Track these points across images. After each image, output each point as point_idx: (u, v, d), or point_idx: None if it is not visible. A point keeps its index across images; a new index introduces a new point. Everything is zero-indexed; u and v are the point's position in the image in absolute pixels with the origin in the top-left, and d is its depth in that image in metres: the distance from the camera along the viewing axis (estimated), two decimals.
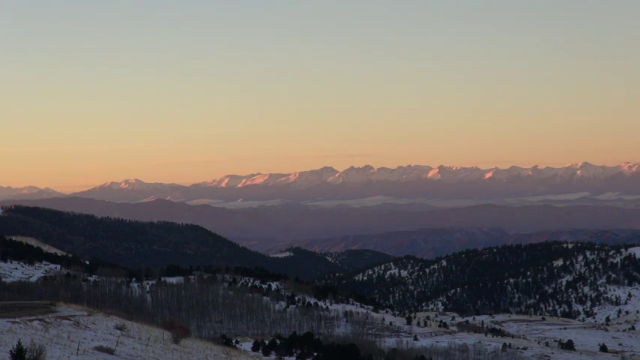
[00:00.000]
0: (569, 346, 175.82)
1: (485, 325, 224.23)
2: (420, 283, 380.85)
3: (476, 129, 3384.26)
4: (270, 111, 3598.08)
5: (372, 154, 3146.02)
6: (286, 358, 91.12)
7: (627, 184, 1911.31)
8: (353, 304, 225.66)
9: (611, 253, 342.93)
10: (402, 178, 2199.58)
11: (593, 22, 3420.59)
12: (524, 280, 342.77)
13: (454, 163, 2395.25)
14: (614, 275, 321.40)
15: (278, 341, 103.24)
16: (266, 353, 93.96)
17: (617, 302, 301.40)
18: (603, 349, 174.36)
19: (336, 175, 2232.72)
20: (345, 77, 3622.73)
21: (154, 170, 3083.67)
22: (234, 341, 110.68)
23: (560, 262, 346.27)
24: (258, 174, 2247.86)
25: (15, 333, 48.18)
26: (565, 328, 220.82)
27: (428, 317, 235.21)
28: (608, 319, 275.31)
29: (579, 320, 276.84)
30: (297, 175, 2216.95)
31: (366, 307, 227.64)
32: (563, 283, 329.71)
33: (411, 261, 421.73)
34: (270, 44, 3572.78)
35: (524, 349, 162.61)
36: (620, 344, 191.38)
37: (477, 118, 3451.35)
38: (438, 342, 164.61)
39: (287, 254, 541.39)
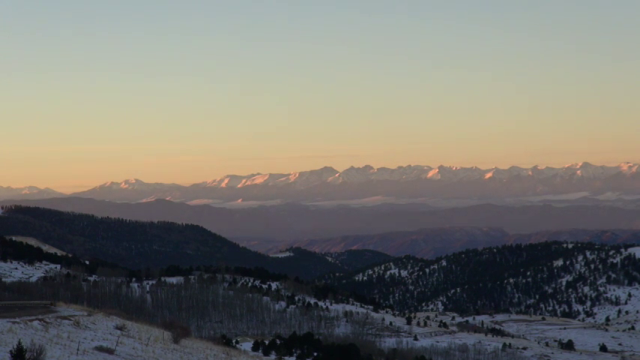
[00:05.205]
0: (569, 346, 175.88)
1: (485, 325, 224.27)
2: (420, 283, 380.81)
3: (476, 129, 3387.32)
4: (270, 111, 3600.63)
5: (372, 154, 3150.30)
6: (286, 358, 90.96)
7: (627, 184, 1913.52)
8: (353, 304, 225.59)
9: (611, 253, 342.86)
10: (402, 178, 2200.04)
11: (594, 22, 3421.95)
12: (524, 280, 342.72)
13: (454, 163, 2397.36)
14: (614, 275, 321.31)
15: (278, 341, 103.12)
16: (266, 353, 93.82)
17: (617, 302, 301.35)
18: (603, 349, 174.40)
19: (336, 175, 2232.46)
20: (345, 78, 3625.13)
21: (154, 170, 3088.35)
22: (234, 341, 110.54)
23: (560, 262, 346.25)
24: (258, 174, 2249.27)
25: (15, 333, 48.15)
26: (565, 328, 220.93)
27: (428, 317, 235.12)
28: (608, 319, 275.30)
29: (579, 320, 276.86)
30: (297, 175, 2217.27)
31: (366, 307, 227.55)
32: (563, 283, 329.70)
33: (411, 261, 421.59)
34: (271, 45, 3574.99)
35: (524, 349, 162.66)
36: (620, 344, 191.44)
37: (476, 118, 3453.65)
38: (438, 342, 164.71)
39: (287, 254, 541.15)
